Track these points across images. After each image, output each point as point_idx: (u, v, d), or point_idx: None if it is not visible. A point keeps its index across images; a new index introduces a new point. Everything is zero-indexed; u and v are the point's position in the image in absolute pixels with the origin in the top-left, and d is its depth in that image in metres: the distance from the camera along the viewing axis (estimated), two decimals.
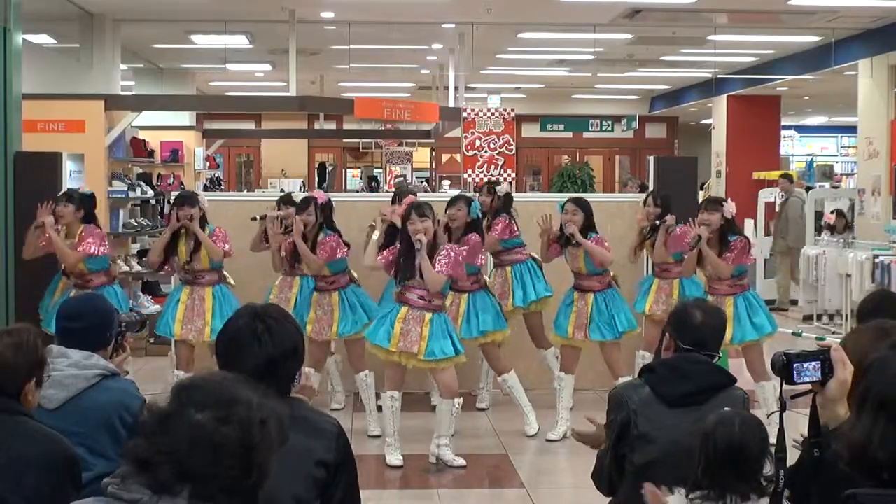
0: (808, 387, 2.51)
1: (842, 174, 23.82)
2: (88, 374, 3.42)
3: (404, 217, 6.43)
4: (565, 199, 7.39)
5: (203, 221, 7.23)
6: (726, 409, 3.22)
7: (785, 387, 2.54)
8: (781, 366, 2.50)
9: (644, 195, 8.23)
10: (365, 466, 6.33)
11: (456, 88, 15.54)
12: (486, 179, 10.90)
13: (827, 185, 17.59)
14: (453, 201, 7.33)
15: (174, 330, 7.19)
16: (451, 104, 15.26)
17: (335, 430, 2.88)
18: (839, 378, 2.43)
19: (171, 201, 7.49)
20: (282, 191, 17.47)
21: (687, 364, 3.57)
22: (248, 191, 19.69)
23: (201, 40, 14.89)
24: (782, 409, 2.69)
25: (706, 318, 3.62)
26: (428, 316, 6.40)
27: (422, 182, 20.64)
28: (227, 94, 21.91)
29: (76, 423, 3.30)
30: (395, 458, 6.59)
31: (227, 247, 7.25)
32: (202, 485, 1.95)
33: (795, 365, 2.47)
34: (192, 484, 1.95)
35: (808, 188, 16.07)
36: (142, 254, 11.09)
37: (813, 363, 2.47)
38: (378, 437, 7.16)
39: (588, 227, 7.18)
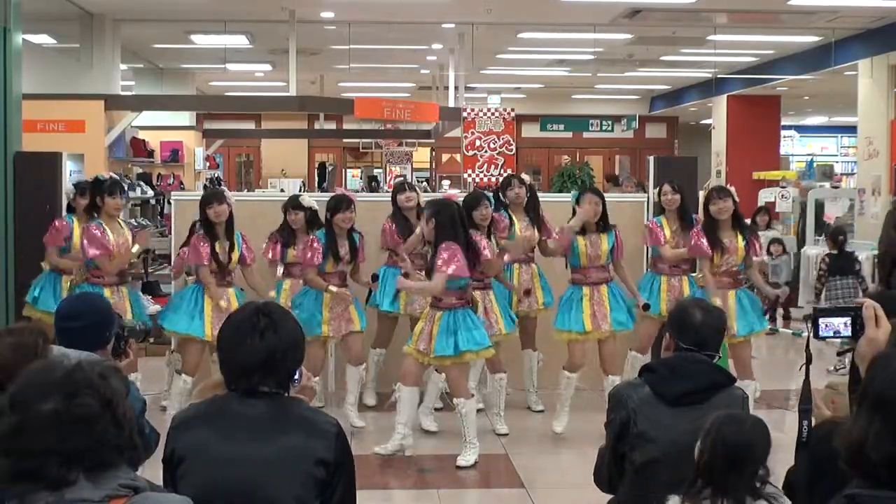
0: (850, 344, 2.52)
1: (842, 174, 23.81)
2: None
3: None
4: (577, 193, 7.38)
5: (231, 222, 7.20)
6: (731, 409, 3.22)
7: (817, 342, 2.56)
8: (811, 320, 2.53)
9: (642, 194, 8.20)
10: (365, 466, 6.33)
11: (456, 88, 15.55)
12: (484, 177, 10.84)
13: (827, 185, 17.58)
14: (477, 202, 7.21)
15: (206, 332, 7.08)
16: (451, 104, 15.27)
17: (334, 429, 2.88)
18: (868, 335, 2.43)
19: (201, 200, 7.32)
20: (281, 190, 17.48)
21: (687, 364, 3.57)
22: (248, 191, 19.71)
23: (201, 40, 14.90)
24: (808, 361, 2.71)
25: (706, 318, 3.62)
26: (438, 314, 6.49)
27: (421, 182, 20.64)
28: (227, 94, 21.92)
29: None
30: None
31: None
32: (90, 459, 2.00)
33: (821, 319, 2.49)
34: (82, 463, 1.99)
35: (809, 188, 16.06)
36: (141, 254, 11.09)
37: (842, 319, 2.48)
38: (361, 427, 7.29)
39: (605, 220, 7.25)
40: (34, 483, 1.98)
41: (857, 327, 2.47)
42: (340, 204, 7.16)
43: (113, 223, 7.15)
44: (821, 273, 10.14)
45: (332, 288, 7.14)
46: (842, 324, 2.50)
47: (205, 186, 16.31)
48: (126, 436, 2.07)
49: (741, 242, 6.98)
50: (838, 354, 2.66)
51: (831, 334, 2.50)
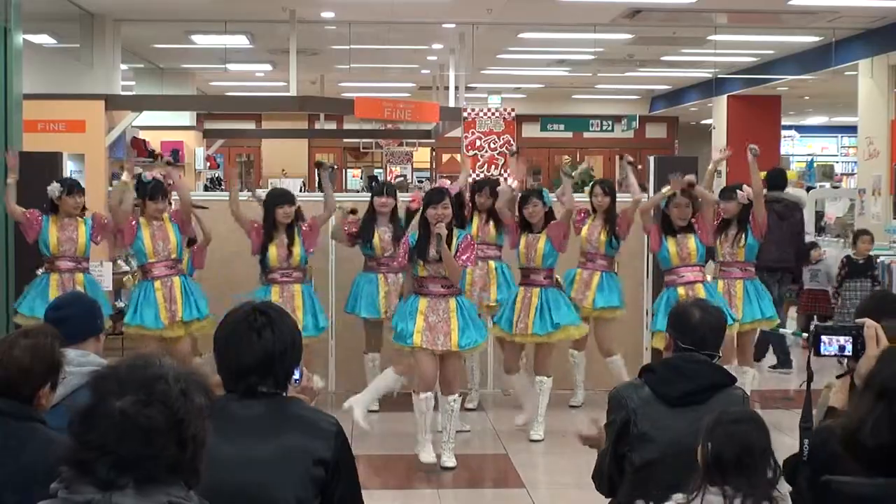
0: (846, 365, 2.52)
1: (842, 174, 23.81)
2: (83, 370, 3.42)
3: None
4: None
5: (293, 223, 7.22)
6: (730, 408, 3.21)
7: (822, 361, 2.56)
8: (812, 337, 2.52)
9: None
10: (365, 466, 6.33)
11: (456, 88, 15.55)
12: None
13: (827, 185, 17.58)
14: (527, 198, 7.28)
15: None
16: (452, 104, 15.26)
17: (334, 428, 2.87)
18: (869, 354, 2.43)
19: (265, 199, 7.32)
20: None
21: (686, 363, 3.57)
22: (248, 191, 19.68)
23: (201, 40, 14.90)
24: (809, 378, 2.70)
25: (705, 318, 3.62)
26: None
27: (421, 182, 20.66)
28: (227, 94, 21.92)
29: None
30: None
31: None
32: (143, 470, 1.96)
33: (823, 337, 2.48)
34: (134, 471, 1.95)
35: (809, 188, 16.08)
36: None
37: (843, 337, 2.47)
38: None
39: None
40: (84, 475, 1.96)
41: (859, 346, 2.46)
42: (433, 198, 6.50)
43: (72, 220, 7.36)
44: (840, 275, 9.85)
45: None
46: (843, 342, 2.49)
47: (205, 187, 16.31)
48: (187, 458, 2.00)
49: (742, 240, 7.41)
50: (837, 377, 2.67)
51: (832, 352, 2.49)
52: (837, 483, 2.08)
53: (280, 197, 7.29)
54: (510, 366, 7.38)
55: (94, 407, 1.98)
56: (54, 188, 7.40)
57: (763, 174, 8.64)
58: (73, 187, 7.43)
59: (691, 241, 7.25)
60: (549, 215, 7.31)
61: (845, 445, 2.12)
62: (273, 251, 7.16)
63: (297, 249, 7.17)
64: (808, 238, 11.81)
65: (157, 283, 7.11)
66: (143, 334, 7.11)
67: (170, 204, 7.42)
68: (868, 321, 2.51)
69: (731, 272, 7.45)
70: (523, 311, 7.18)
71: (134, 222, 7.22)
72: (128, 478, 1.95)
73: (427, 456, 6.45)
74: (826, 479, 2.08)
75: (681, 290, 7.19)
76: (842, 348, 2.50)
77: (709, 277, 7.58)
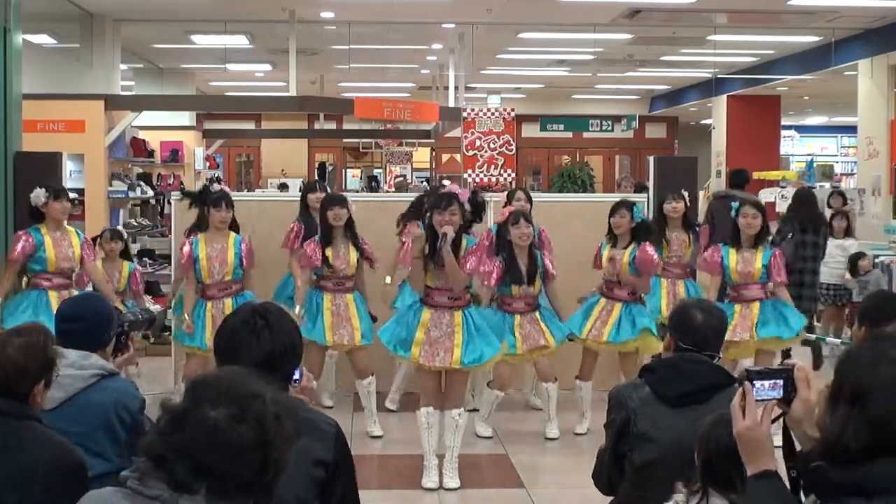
0: (779, 410, 2.47)
1: (842, 174, 23.82)
2: (86, 373, 3.41)
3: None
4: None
5: (352, 226, 7.14)
6: (723, 411, 3.21)
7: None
8: (743, 381, 2.45)
9: (642, 194, 8.20)
10: (366, 467, 6.33)
11: (456, 88, 15.57)
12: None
13: (827, 185, 17.59)
14: (616, 209, 7.13)
15: (326, 337, 7.02)
16: (451, 104, 15.28)
17: (333, 429, 2.87)
18: (802, 397, 2.40)
19: (322, 203, 7.20)
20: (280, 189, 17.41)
21: (687, 364, 3.56)
22: (248, 191, 19.71)
23: (201, 40, 14.90)
24: (782, 413, 2.68)
25: (706, 318, 3.61)
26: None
27: (421, 182, 20.67)
28: (227, 94, 21.93)
29: (74, 423, 3.28)
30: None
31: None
32: (219, 482, 1.95)
33: (756, 382, 2.40)
34: (210, 481, 1.95)
35: (809, 188, 16.06)
36: (142, 254, 11.09)
37: (774, 381, 2.41)
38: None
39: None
40: (159, 471, 1.96)
41: (790, 388, 2.42)
42: (439, 203, 6.08)
43: (65, 235, 7.03)
44: None
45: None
46: (774, 385, 2.42)
47: (204, 186, 16.28)
48: (266, 480, 1.99)
49: (760, 261, 6.97)
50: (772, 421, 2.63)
51: (765, 396, 2.42)
52: (825, 470, 2.12)
53: (330, 199, 7.23)
54: (585, 373, 7.24)
55: (188, 411, 1.97)
56: (38, 194, 6.98)
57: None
58: (59, 192, 7.08)
59: (758, 261, 6.96)
60: (637, 230, 7.07)
61: (826, 454, 2.15)
62: (330, 257, 7.05)
63: (352, 258, 7.09)
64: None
65: (209, 305, 7.06)
66: (191, 352, 7.14)
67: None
68: (798, 363, 2.49)
69: (746, 295, 6.97)
70: (600, 320, 7.07)
71: (189, 248, 7.07)
72: (202, 484, 1.94)
73: (429, 481, 6.20)
74: (815, 466, 2.11)
75: (737, 308, 6.95)
76: (772, 392, 2.42)
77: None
